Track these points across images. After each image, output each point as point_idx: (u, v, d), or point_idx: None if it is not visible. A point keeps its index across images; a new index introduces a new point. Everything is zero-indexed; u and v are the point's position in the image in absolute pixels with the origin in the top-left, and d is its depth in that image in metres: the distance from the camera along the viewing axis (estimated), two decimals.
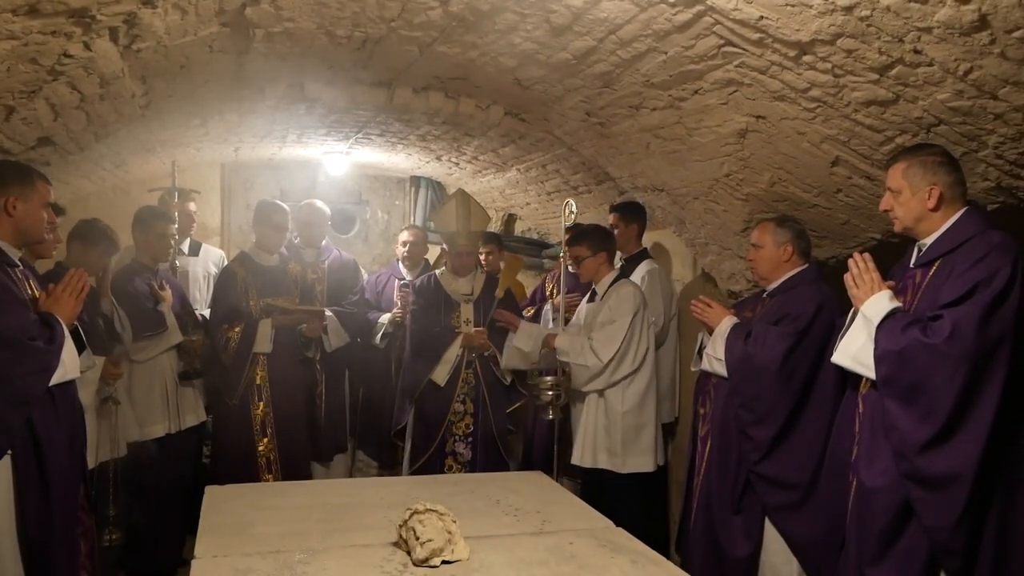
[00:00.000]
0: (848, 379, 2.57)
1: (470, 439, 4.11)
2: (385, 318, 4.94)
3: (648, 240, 4.70)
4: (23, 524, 2.47)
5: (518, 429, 4.46)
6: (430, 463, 4.14)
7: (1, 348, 2.39)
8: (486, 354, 4.14)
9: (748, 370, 3.04)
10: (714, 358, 3.20)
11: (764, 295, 3.30)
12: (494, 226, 7.04)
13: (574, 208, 4.34)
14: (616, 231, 4.48)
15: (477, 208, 4.22)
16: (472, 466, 4.06)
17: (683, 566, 3.29)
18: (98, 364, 3.30)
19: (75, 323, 2.72)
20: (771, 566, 3.04)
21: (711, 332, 3.28)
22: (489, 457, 4.07)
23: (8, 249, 2.61)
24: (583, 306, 4.20)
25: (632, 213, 4.46)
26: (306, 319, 4.48)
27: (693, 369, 3.60)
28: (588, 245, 4.03)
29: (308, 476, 4.51)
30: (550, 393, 3.90)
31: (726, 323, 3.22)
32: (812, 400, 2.97)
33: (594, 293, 4.13)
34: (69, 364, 2.60)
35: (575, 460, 3.93)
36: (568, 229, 4.32)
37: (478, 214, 4.22)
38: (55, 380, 2.54)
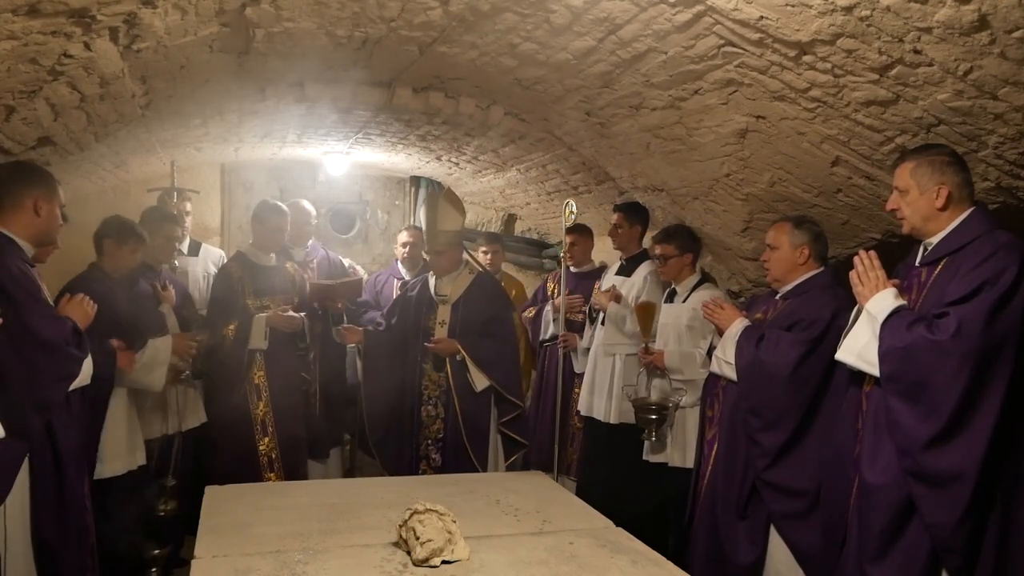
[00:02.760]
0: (852, 378, 2.55)
1: (440, 443, 4.04)
2: None
3: (648, 240, 4.70)
4: (36, 522, 2.51)
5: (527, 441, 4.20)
6: (402, 458, 4.14)
7: (43, 353, 2.44)
8: (458, 358, 4.04)
9: (758, 375, 2.98)
10: (723, 361, 3.14)
11: (777, 296, 3.21)
12: (494, 226, 7.05)
13: (574, 208, 4.32)
14: (620, 231, 4.47)
15: (446, 207, 4.13)
16: (441, 472, 3.97)
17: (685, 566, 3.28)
18: (163, 346, 3.46)
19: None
20: (776, 574, 2.98)
21: (721, 333, 3.22)
22: (461, 464, 3.97)
23: (27, 248, 2.65)
24: (665, 309, 4.02)
25: (636, 214, 4.46)
26: (345, 291, 4.62)
27: (702, 370, 3.58)
28: (677, 244, 3.91)
29: (306, 474, 4.52)
30: (654, 418, 3.73)
31: (737, 325, 3.15)
32: (823, 408, 2.91)
33: (673, 293, 4.00)
34: (85, 371, 2.68)
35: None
36: (569, 230, 4.29)
37: (447, 213, 4.12)
38: (73, 386, 2.61)
